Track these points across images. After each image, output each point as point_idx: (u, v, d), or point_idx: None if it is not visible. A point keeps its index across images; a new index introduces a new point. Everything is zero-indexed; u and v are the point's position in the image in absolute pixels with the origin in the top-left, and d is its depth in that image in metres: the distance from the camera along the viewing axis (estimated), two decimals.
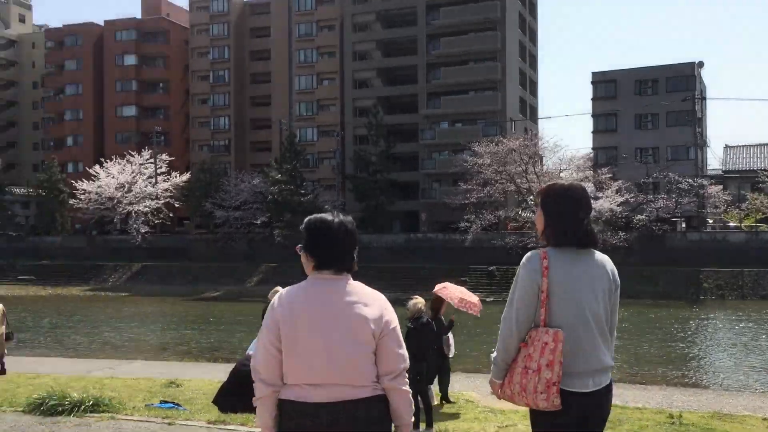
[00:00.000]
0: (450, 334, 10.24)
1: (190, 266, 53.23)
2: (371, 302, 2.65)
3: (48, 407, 6.49)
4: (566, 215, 3.07)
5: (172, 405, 7.68)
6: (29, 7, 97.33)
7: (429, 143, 61.74)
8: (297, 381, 2.57)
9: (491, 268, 45.36)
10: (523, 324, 2.99)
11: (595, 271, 3.04)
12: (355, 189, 57.58)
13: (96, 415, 6.38)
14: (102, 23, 77.49)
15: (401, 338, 2.67)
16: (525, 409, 8.83)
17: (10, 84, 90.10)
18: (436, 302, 9.88)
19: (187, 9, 75.96)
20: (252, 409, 7.71)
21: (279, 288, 12.26)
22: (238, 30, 72.63)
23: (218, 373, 13.36)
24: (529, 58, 69.32)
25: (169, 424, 5.97)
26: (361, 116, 63.53)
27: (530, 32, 69.95)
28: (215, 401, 7.87)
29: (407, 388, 2.64)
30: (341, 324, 2.58)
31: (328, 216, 2.74)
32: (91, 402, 6.49)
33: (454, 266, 45.11)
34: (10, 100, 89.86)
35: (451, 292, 9.89)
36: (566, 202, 3.10)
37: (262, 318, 9.45)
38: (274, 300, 2.69)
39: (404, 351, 2.65)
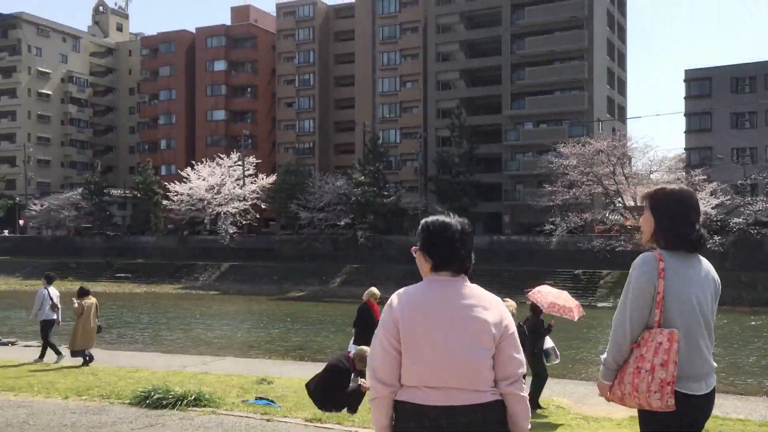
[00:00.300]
0: (550, 340, 10.10)
1: (275, 266, 54.35)
2: (490, 306, 2.64)
3: (153, 400, 6.78)
4: (679, 219, 3.08)
5: (267, 402, 7.89)
6: (126, 17, 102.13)
7: (513, 144, 60.98)
8: (415, 383, 2.56)
9: (577, 271, 44.39)
10: (637, 325, 3.00)
11: (704, 275, 3.07)
12: (438, 190, 57.48)
13: (198, 409, 6.61)
14: (194, 30, 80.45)
15: (519, 343, 2.66)
16: (619, 418, 8.58)
17: (109, 90, 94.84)
18: (536, 304, 9.81)
19: (274, 15, 77.86)
20: (340, 406, 7.86)
21: (374, 289, 12.48)
22: (323, 34, 73.85)
23: (306, 372, 13.62)
24: (618, 56, 67.44)
25: (268, 420, 6.12)
26: (443, 118, 63.40)
27: (619, 29, 68.05)
28: (308, 386, 8.05)
29: (525, 393, 2.63)
30: (462, 327, 2.57)
31: (446, 217, 2.74)
32: (193, 396, 6.73)
33: (538, 269, 44.40)
34: (109, 105, 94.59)
35: (544, 296, 9.76)
36: (679, 206, 3.10)
37: (357, 318, 9.62)
38: (392, 300, 2.68)
39: (522, 356, 2.64)
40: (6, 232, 73.15)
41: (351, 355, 7.55)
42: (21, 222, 73.64)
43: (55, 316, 15.48)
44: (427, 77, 66.19)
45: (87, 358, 14.63)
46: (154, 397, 6.81)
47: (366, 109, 69.72)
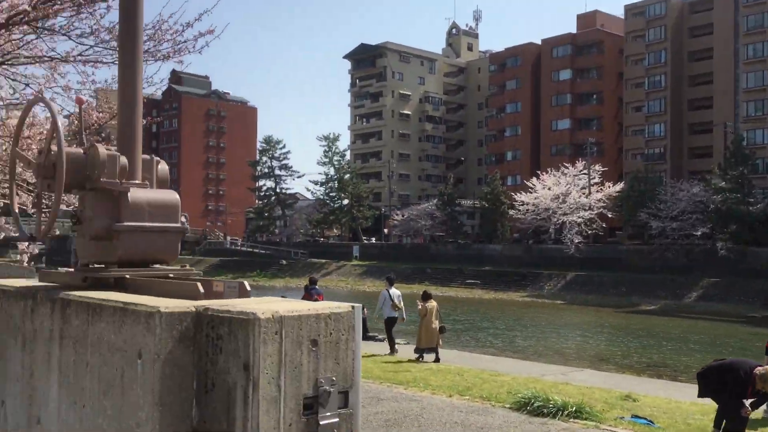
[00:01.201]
0: None
1: (622, 277, 52.32)
2: None
3: (533, 408, 7.01)
4: None
5: (645, 421, 7.59)
6: (476, 36, 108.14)
7: None
8: None
9: None
10: None
11: None
12: None
13: (579, 421, 6.65)
14: (539, 42, 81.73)
15: None
16: None
17: (460, 107, 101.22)
18: None
19: (622, 17, 75.41)
20: (724, 415, 7.24)
21: None
22: (676, 32, 69.35)
23: (673, 392, 12.86)
24: None
25: None
26: None
27: None
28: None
29: None
30: None
31: None
32: (573, 408, 6.80)
33: None
34: (460, 121, 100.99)
35: None
36: None
37: None
38: None
39: None
40: (373, 240, 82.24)
41: (757, 372, 6.85)
42: (386, 230, 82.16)
43: (395, 314, 17.23)
44: None
45: (422, 356, 15.89)
46: (534, 404, 7.02)
47: (727, 107, 63.53)
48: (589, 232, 59.85)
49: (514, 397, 7.65)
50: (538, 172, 67.29)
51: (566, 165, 64.26)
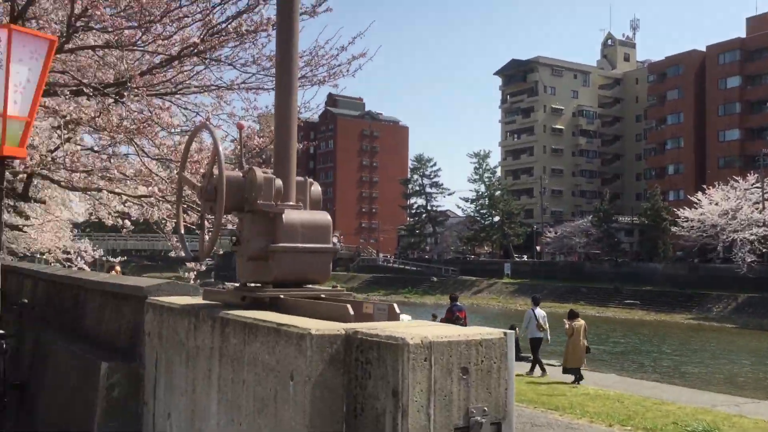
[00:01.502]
0: None
1: None
2: None
3: None
4: None
5: None
6: (633, 46, 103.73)
7: None
8: None
9: None
10: None
11: None
12: None
13: None
14: (703, 49, 77.04)
15: None
16: None
17: (616, 120, 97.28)
18: None
19: None
20: None
21: None
22: None
23: None
24: None
25: None
26: None
27: None
28: None
29: None
30: None
31: None
32: None
33: None
34: (616, 134, 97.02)
35: None
36: None
37: None
38: None
39: None
40: (525, 257, 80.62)
41: None
42: (538, 248, 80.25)
43: (541, 335, 16.76)
44: None
45: (578, 380, 15.27)
46: None
47: None
48: (764, 250, 55.13)
49: (682, 429, 7.10)
50: (704, 186, 63.13)
51: (736, 178, 59.79)
